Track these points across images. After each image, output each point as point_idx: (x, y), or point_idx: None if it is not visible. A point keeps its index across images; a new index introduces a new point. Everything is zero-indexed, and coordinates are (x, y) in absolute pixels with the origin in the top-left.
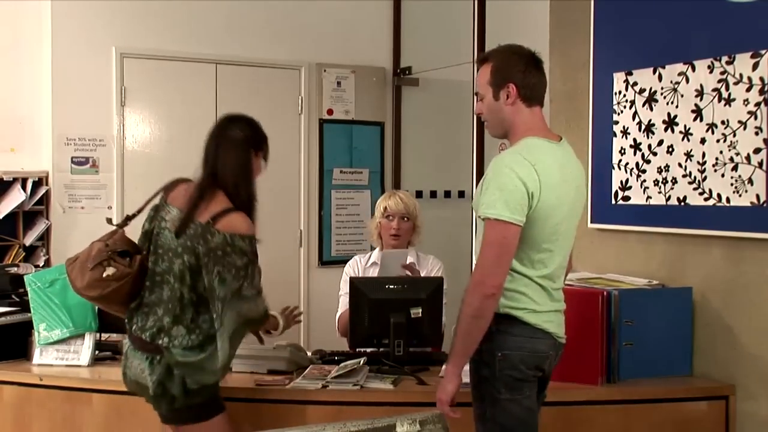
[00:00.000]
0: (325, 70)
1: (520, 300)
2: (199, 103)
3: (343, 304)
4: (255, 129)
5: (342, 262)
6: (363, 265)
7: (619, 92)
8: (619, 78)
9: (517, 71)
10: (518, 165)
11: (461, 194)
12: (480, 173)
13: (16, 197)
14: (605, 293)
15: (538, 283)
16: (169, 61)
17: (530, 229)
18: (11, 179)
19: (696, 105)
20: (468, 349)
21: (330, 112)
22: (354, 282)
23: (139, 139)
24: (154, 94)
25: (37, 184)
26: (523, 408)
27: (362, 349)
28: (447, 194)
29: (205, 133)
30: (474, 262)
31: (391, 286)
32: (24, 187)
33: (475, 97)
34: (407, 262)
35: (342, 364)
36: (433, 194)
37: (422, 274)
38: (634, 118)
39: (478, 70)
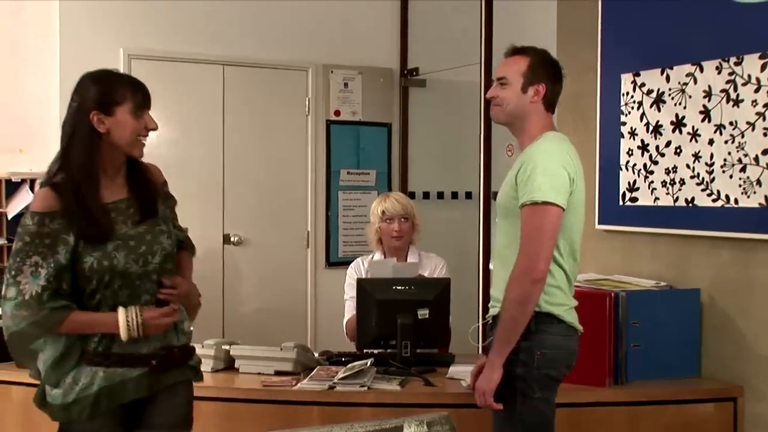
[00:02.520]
0: (332, 71)
1: (557, 296)
2: (206, 104)
3: (350, 309)
4: (95, 85)
5: (349, 263)
6: (365, 268)
7: (627, 93)
8: (626, 79)
9: (551, 75)
10: (558, 152)
11: (468, 195)
12: (487, 174)
13: (24, 198)
14: (613, 294)
15: (569, 277)
16: (176, 63)
17: (567, 216)
18: (19, 180)
19: (704, 106)
20: (513, 337)
21: (337, 113)
22: (361, 283)
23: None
24: (161, 96)
25: None
26: (550, 407)
27: (369, 350)
28: (454, 195)
29: (212, 133)
30: (481, 262)
31: (399, 287)
32: (32, 188)
33: (495, 82)
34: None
35: (349, 365)
36: (440, 195)
37: (426, 273)
38: (641, 119)
39: (509, 57)
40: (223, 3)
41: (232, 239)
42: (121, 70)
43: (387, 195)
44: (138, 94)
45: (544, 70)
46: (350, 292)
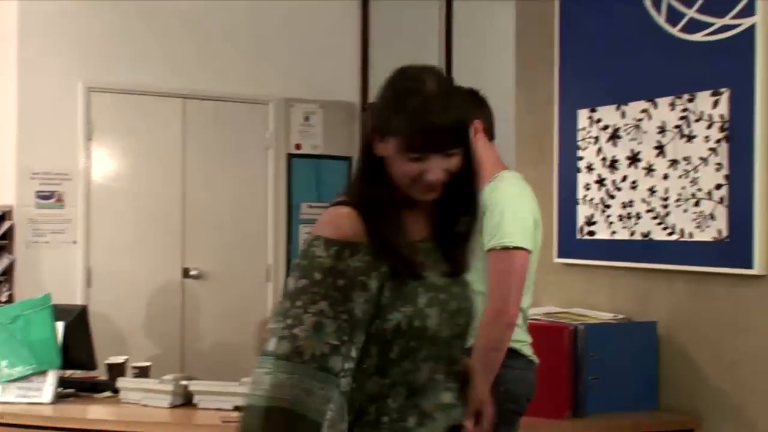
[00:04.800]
0: (293, 105)
1: (517, 333)
2: (166, 137)
3: None
4: (385, 93)
5: None
6: None
7: (584, 128)
8: (583, 114)
9: (476, 107)
10: (522, 196)
11: None
12: None
13: None
14: (571, 327)
15: (525, 315)
16: (136, 96)
17: (529, 258)
18: None
19: (659, 141)
20: (488, 384)
21: (298, 146)
22: None
23: (105, 173)
24: (121, 128)
25: (0, 219)
26: None
27: None
28: None
29: (172, 167)
30: None
31: None
32: None
33: None
34: None
35: None
36: None
37: None
38: (598, 154)
39: None
40: (184, 36)
41: (191, 273)
42: (80, 103)
43: None
44: (416, 133)
45: (471, 107)
46: None
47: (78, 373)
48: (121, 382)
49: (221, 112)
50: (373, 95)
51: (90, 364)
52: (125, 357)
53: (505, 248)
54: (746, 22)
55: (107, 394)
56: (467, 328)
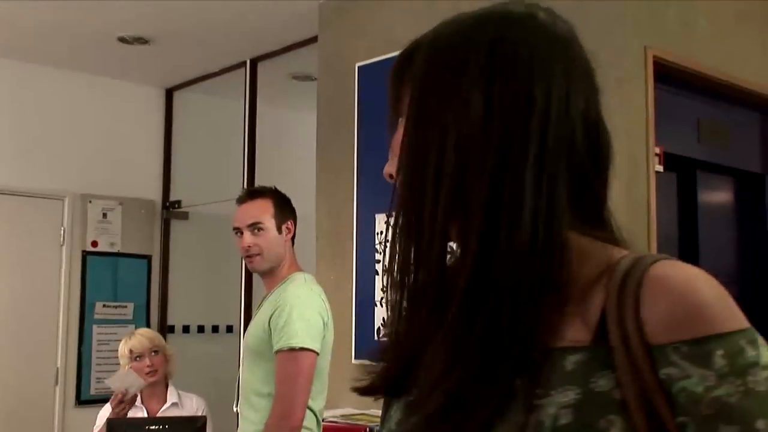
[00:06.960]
0: (90, 201)
1: None
2: None
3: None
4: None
5: (103, 400)
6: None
7: (381, 232)
8: (380, 219)
9: (292, 209)
10: (314, 296)
11: (229, 329)
12: (248, 308)
13: None
14: (368, 429)
15: (318, 418)
16: None
17: (319, 359)
18: None
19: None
20: None
21: (94, 244)
22: (111, 423)
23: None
24: None
25: None
26: None
27: None
28: (215, 329)
29: None
30: (240, 397)
31: (152, 427)
32: None
33: (245, 230)
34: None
35: None
36: (201, 329)
37: (185, 413)
38: None
39: (248, 202)
40: None
41: None
42: None
43: (131, 334)
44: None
45: (288, 206)
46: (100, 422)
47: None
48: None
49: (11, 207)
50: (176, 193)
51: None
52: None
53: (292, 349)
54: None
55: None
56: None
